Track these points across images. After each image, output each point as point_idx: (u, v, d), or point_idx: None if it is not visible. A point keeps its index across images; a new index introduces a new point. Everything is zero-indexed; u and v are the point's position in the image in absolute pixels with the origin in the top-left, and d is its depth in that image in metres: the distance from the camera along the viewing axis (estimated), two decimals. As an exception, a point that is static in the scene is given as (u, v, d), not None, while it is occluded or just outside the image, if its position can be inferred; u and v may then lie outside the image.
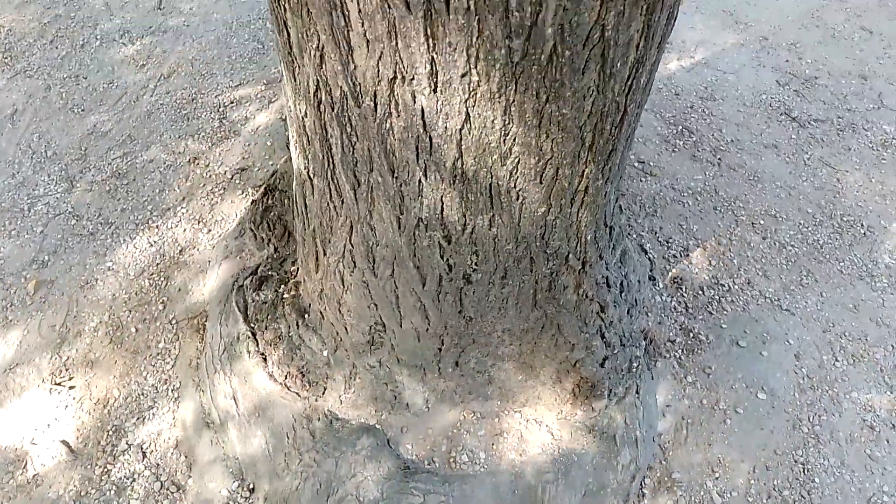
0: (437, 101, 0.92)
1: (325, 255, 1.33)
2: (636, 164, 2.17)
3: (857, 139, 2.30)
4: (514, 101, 0.92)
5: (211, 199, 1.99)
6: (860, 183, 2.14)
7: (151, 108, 2.28)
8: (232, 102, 2.31)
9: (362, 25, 0.86)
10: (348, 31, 0.88)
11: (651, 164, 2.19)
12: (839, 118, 2.38)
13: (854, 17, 2.86)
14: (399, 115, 0.95)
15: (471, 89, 0.90)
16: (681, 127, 2.32)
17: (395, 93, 0.92)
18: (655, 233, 1.97)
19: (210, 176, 2.07)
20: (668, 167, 2.18)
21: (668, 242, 1.94)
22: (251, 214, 1.79)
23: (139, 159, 2.12)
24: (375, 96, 0.94)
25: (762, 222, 2.01)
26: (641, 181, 2.13)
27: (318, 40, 0.93)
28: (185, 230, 1.92)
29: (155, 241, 1.90)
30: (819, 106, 2.43)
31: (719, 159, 2.21)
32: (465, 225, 1.13)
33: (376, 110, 0.96)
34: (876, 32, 2.78)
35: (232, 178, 2.06)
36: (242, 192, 2.01)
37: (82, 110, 2.27)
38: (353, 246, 1.24)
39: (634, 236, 1.96)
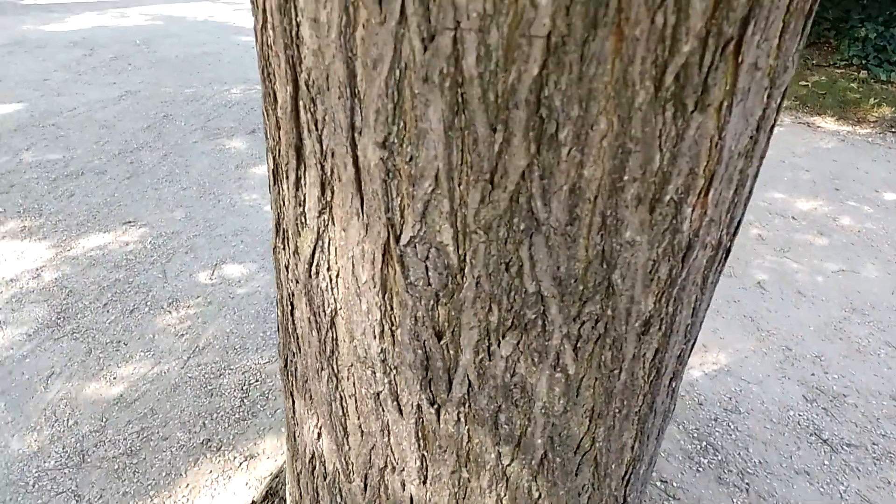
0: (427, 492, 0.91)
1: None
2: (657, 484, 2.07)
3: None
4: (505, 495, 0.91)
5: (213, 490, 1.94)
6: (905, 527, 1.97)
7: (179, 381, 2.35)
8: (257, 381, 2.37)
9: (358, 418, 0.89)
10: (345, 419, 0.91)
11: (674, 484, 2.08)
12: (874, 444, 2.28)
13: (878, 332, 2.89)
14: (388, 499, 0.95)
15: (461, 484, 0.90)
16: (705, 443, 2.25)
17: (385, 479, 0.92)
18: (679, 571, 1.80)
19: (219, 461, 2.04)
20: (693, 489, 2.06)
21: (693, 585, 1.76)
22: (248, 517, 1.73)
23: (154, 436, 2.13)
24: (366, 479, 0.94)
25: (798, 568, 1.83)
26: None
27: (318, 420, 0.96)
28: (180, 523, 1.85)
29: (147, 534, 1.82)
30: (850, 428, 2.35)
31: (747, 484, 2.09)
32: None
33: (366, 490, 0.96)
34: (902, 349, 2.78)
35: (239, 466, 2.03)
36: (247, 485, 1.96)
37: (114, 378, 2.36)
38: None
39: (655, 573, 1.79)
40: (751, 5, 0.58)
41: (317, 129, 0.70)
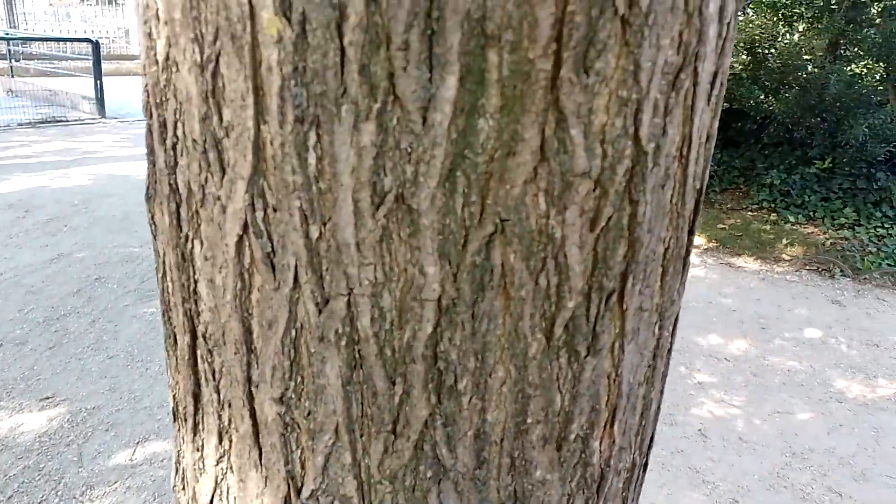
0: None
1: None
2: None
3: None
4: None
5: None
6: None
7: (86, 588, 2.11)
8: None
9: None
10: None
11: None
12: None
13: (819, 478, 2.89)
14: None
15: None
16: None
17: None
18: None
19: None
20: None
21: None
22: None
23: None
24: None
25: None
26: None
27: None
28: None
29: None
30: (808, 590, 2.27)
31: None
32: None
33: None
34: (845, 495, 2.78)
35: None
36: None
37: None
38: None
39: None
40: (627, 262, 0.62)
41: (214, 380, 0.68)
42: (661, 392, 0.81)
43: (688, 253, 0.72)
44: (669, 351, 0.78)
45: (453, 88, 0.53)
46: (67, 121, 10.44)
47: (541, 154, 0.55)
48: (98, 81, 10.57)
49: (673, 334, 0.78)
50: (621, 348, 0.67)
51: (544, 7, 0.51)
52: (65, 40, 13.85)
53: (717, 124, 0.70)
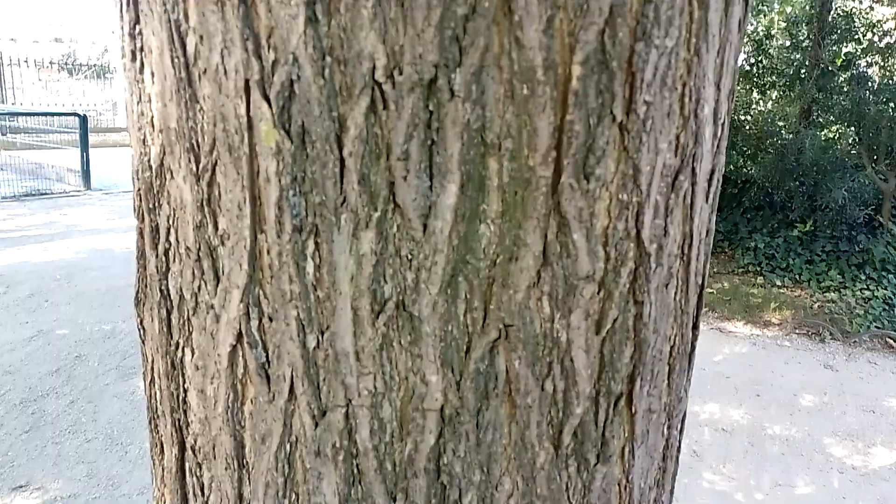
0: None
1: None
2: None
3: None
4: None
5: None
6: None
7: None
8: None
9: None
10: None
11: None
12: None
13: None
14: None
15: None
16: None
17: None
18: None
19: None
20: None
21: None
22: None
23: None
24: None
25: None
26: None
27: None
28: None
29: None
30: None
31: None
32: None
33: None
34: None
35: None
36: None
37: None
38: None
39: None
40: (634, 364, 0.60)
41: (203, 495, 0.64)
42: (672, 492, 0.78)
43: (693, 349, 0.71)
44: (678, 450, 0.76)
45: (454, 196, 0.52)
46: (52, 193, 10.46)
47: (543, 258, 0.54)
48: (84, 154, 10.66)
49: (681, 433, 0.75)
50: (631, 453, 0.64)
51: (543, 117, 0.51)
52: (52, 114, 14.02)
53: (714, 218, 0.69)
